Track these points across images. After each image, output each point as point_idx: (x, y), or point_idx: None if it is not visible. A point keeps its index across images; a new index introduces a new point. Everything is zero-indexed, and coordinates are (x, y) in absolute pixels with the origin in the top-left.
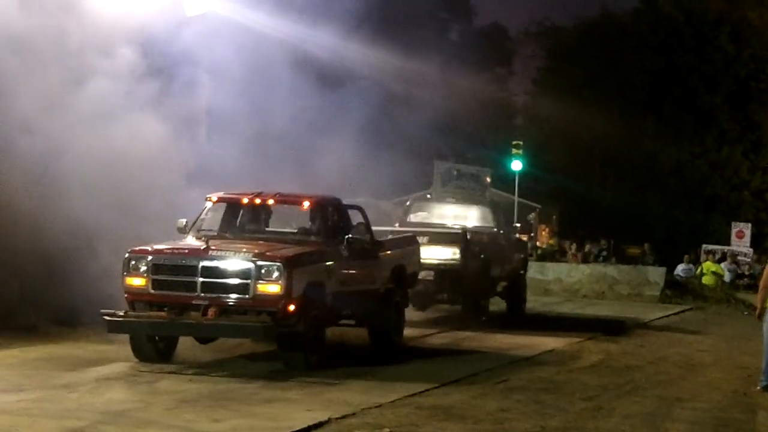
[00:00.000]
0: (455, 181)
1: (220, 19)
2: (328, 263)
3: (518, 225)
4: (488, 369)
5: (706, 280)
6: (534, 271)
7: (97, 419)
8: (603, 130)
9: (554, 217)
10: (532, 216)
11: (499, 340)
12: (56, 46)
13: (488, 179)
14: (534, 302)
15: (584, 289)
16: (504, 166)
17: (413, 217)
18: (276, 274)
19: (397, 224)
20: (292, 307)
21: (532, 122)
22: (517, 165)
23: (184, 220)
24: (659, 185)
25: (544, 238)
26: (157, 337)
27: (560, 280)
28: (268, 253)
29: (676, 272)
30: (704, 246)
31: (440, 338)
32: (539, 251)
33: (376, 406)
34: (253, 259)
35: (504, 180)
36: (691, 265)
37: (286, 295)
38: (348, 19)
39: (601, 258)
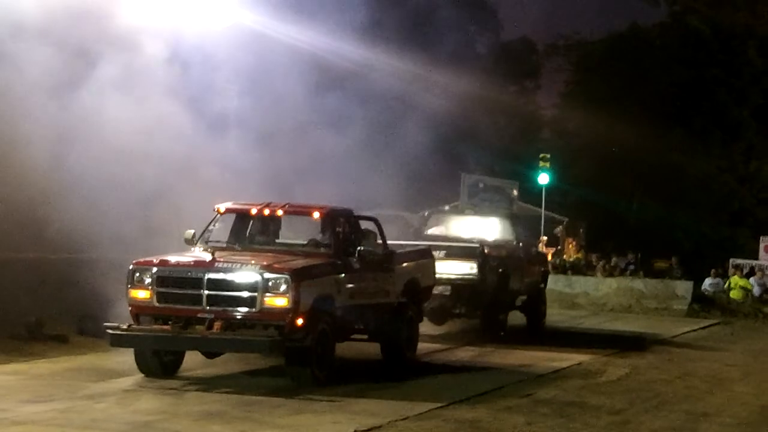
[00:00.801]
0: (482, 194)
1: (248, 30)
2: (337, 276)
3: (545, 238)
4: (514, 383)
5: (734, 294)
6: (561, 284)
7: (123, 430)
8: (630, 143)
9: (581, 230)
10: (559, 229)
11: (522, 355)
12: (79, 50)
13: (515, 192)
14: (560, 316)
15: (611, 302)
16: (531, 180)
17: (431, 230)
18: (283, 286)
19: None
20: (300, 321)
21: (559, 135)
22: (544, 178)
23: (191, 231)
24: (687, 199)
25: (571, 252)
26: (162, 352)
27: (587, 293)
28: (275, 265)
29: (703, 287)
30: (732, 260)
31: (461, 353)
32: (567, 264)
33: (402, 419)
34: (260, 271)
35: (531, 193)
36: (718, 279)
37: (294, 309)
38: (374, 31)
39: (628, 272)
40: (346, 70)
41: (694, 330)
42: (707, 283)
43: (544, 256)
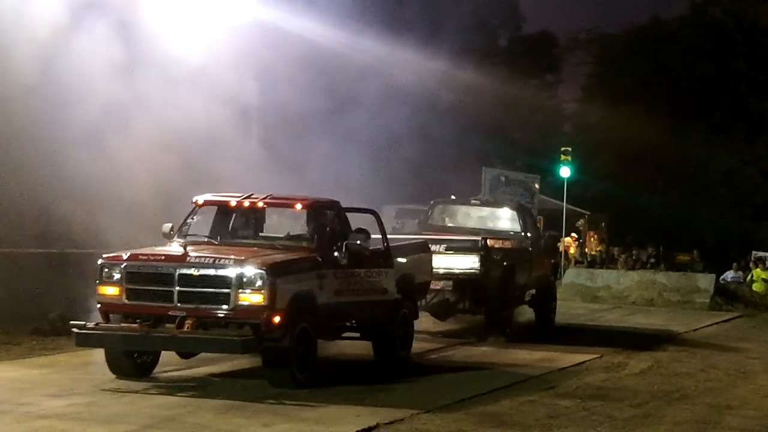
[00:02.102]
0: (503, 188)
1: (266, 26)
2: (319, 271)
3: (575, 234)
4: (536, 376)
5: (757, 287)
6: (583, 277)
7: (147, 423)
8: (652, 137)
9: (603, 223)
10: (580, 222)
11: (543, 349)
12: (106, 52)
13: (537, 185)
14: (582, 309)
15: (633, 296)
16: (553, 173)
17: (435, 221)
18: (259, 282)
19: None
20: (277, 319)
21: (580, 129)
22: (565, 172)
23: (169, 225)
24: (709, 193)
25: (592, 245)
26: (135, 352)
27: (609, 287)
28: (250, 260)
29: (721, 278)
30: (754, 253)
31: (473, 350)
32: (588, 258)
33: (425, 412)
34: (234, 266)
35: (553, 187)
36: (740, 273)
37: (270, 306)
38: (395, 25)
39: (649, 265)
40: (366, 65)
41: (717, 323)
42: (728, 276)
43: (555, 248)
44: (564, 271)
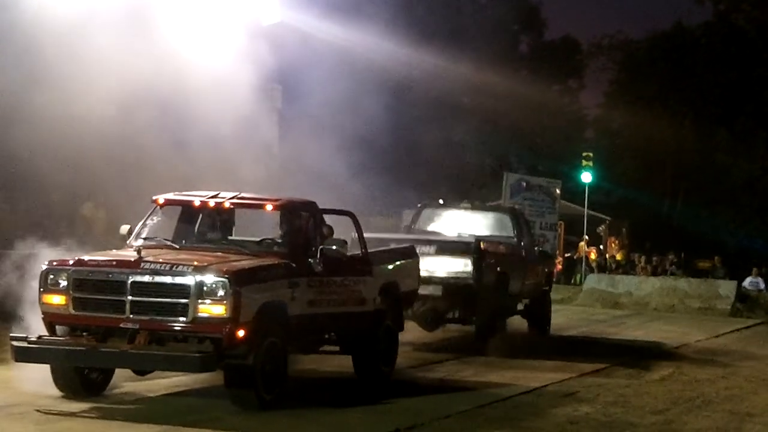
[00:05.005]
0: (524, 193)
1: (294, 28)
2: (291, 279)
3: (587, 237)
4: (557, 382)
5: None
6: (604, 284)
7: (166, 427)
8: (674, 143)
9: (624, 229)
10: (601, 228)
11: (560, 357)
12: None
13: (558, 191)
14: (602, 315)
15: (654, 302)
16: (574, 178)
17: (422, 226)
18: (221, 292)
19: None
20: (241, 333)
21: (603, 135)
22: (587, 177)
23: (127, 227)
24: (731, 199)
25: (613, 251)
26: (85, 367)
27: (630, 293)
28: (212, 267)
29: (743, 284)
30: None
31: (491, 360)
32: (611, 264)
33: (445, 417)
34: (193, 273)
35: (574, 192)
36: (758, 279)
37: (234, 319)
38: (419, 30)
39: (669, 272)
40: (389, 71)
41: (738, 330)
42: (747, 281)
43: (550, 256)
44: (584, 277)
